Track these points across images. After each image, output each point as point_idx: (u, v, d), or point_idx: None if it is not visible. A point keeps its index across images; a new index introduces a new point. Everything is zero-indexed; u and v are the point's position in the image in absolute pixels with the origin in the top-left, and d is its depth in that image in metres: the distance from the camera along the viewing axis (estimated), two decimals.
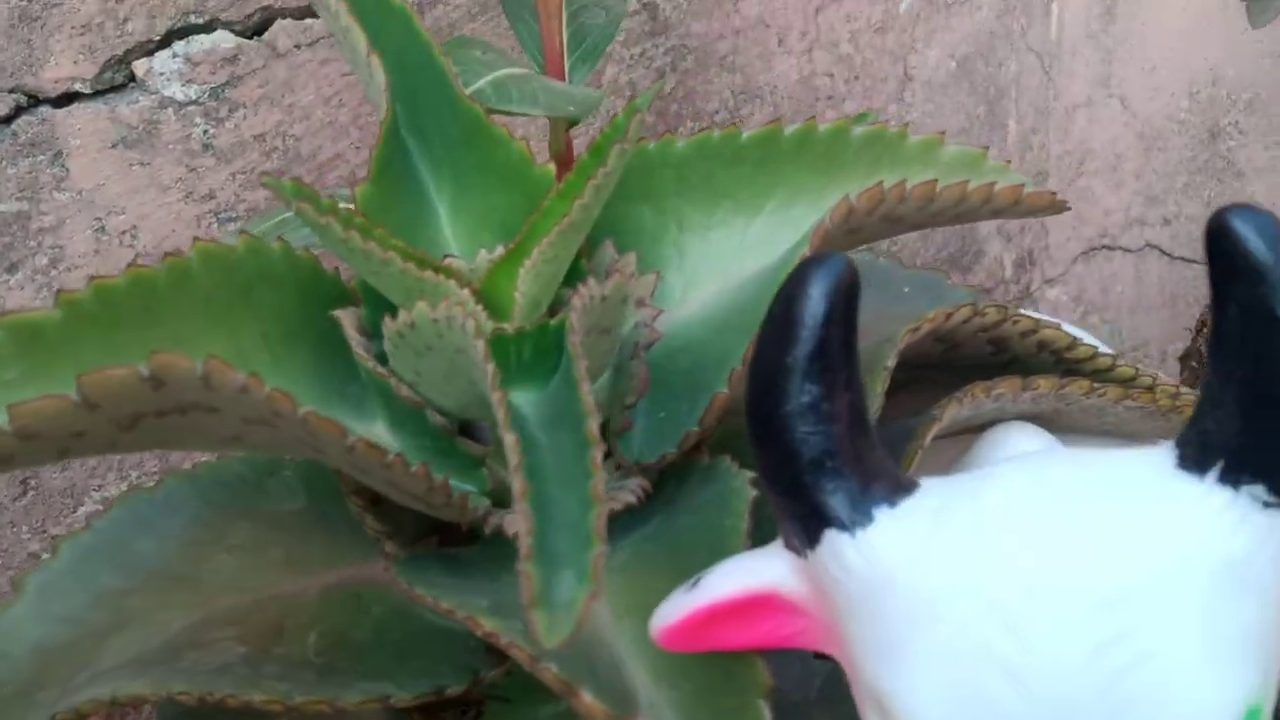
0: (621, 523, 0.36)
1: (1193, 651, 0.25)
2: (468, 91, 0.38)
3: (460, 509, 0.34)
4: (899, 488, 0.29)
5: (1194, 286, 1.05)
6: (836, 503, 0.28)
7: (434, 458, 0.35)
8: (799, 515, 0.29)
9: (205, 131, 0.58)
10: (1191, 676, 0.25)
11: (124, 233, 0.57)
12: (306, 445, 0.31)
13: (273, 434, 0.31)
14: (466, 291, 0.32)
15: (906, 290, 0.45)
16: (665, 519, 0.36)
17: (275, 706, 0.32)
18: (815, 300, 0.28)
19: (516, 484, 0.25)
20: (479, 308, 0.32)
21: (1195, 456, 0.27)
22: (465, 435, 0.37)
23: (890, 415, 0.37)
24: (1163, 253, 1.03)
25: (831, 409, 0.28)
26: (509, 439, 0.26)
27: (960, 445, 0.40)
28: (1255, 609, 0.26)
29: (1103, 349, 0.43)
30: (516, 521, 0.24)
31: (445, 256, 0.36)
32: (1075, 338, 0.42)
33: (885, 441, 0.30)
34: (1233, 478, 0.26)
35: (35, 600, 0.38)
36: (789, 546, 0.30)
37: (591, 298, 0.31)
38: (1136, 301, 1.04)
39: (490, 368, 0.27)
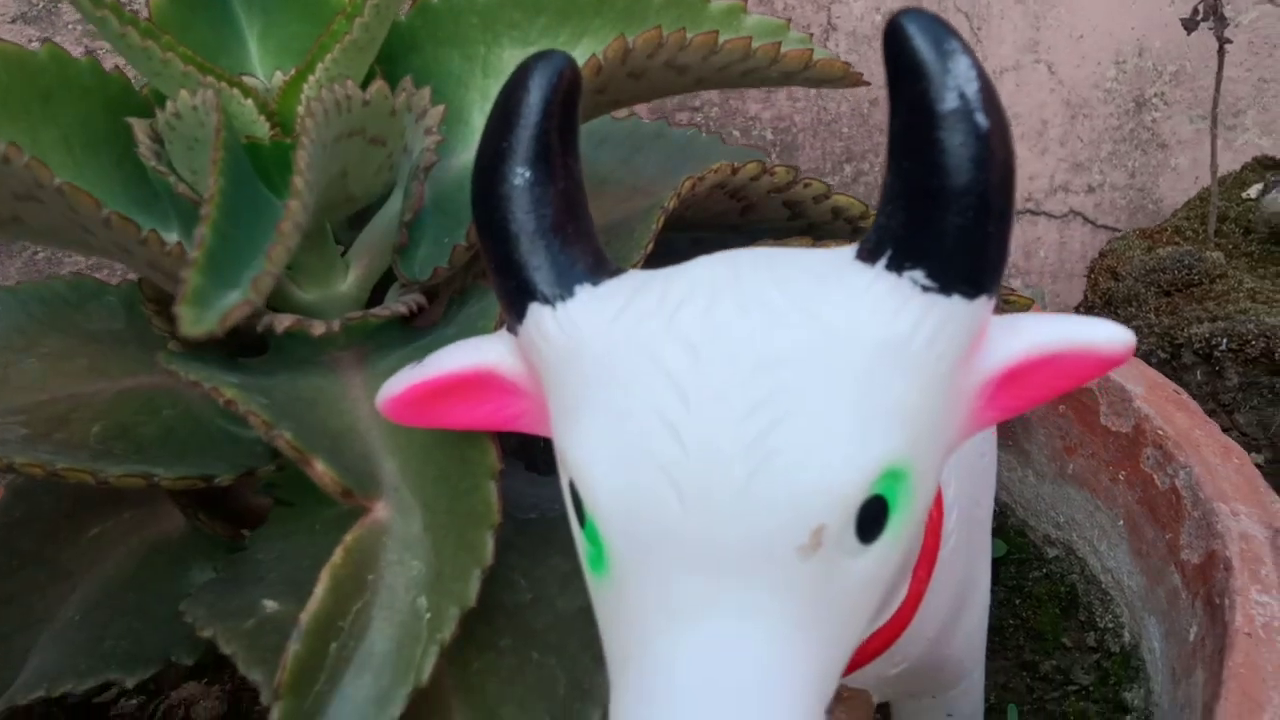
0: (400, 334, 0.38)
1: (836, 415, 0.27)
2: None
3: None
4: (605, 271, 0.30)
5: None
6: (540, 278, 0.30)
7: None
8: (510, 290, 0.30)
9: None
10: (829, 435, 0.26)
11: None
12: (74, 224, 0.33)
13: (43, 211, 0.33)
14: (231, 87, 0.34)
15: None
16: (439, 332, 0.38)
17: (35, 470, 0.34)
18: (533, 92, 0.30)
19: (203, 212, 0.26)
20: (236, 93, 0.33)
21: (870, 248, 0.29)
22: None
23: None
24: (1086, 220, 1.05)
25: (544, 193, 0.30)
26: (209, 184, 0.27)
27: None
28: (906, 385, 0.28)
29: None
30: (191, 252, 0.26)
31: (242, 74, 0.38)
32: (869, 206, 0.43)
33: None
34: (897, 264, 0.28)
35: None
36: (508, 328, 0.31)
37: (348, 98, 0.33)
38: (1059, 267, 1.05)
39: (219, 131, 0.29)
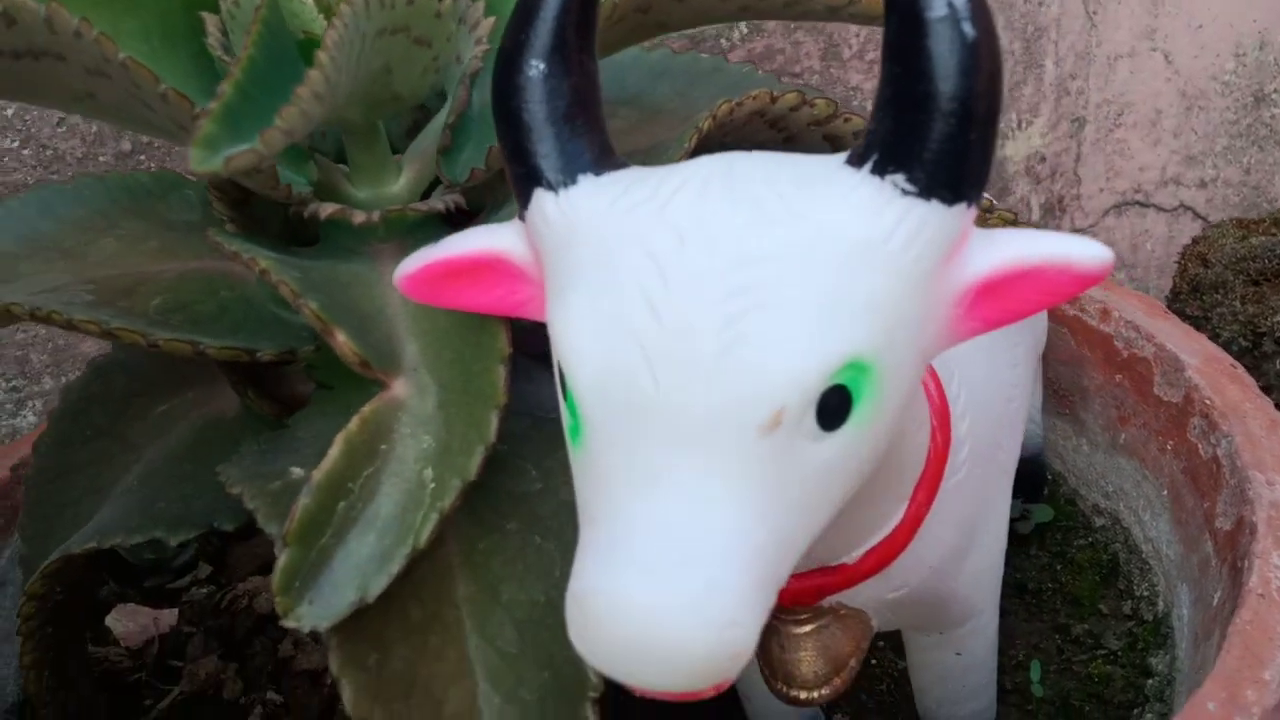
0: (439, 231, 0.40)
1: (806, 306, 0.28)
2: None
3: (286, 193, 0.38)
4: (610, 163, 0.32)
5: None
6: (547, 165, 0.32)
7: None
8: (519, 176, 0.32)
9: None
10: (796, 324, 0.28)
11: None
12: (137, 100, 0.36)
13: (111, 88, 0.36)
14: None
15: None
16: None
17: (91, 328, 0.37)
18: None
19: (230, 71, 0.29)
20: None
21: (859, 153, 0.30)
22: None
23: None
24: (1196, 215, 1.03)
25: (556, 85, 0.32)
26: (241, 50, 0.30)
27: None
28: (879, 284, 0.29)
29: None
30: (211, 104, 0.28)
31: None
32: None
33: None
34: (880, 168, 0.29)
35: None
36: (518, 215, 0.33)
37: None
38: (1165, 261, 1.04)
39: (259, 9, 0.31)
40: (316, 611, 0.34)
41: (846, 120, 0.43)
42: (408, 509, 0.35)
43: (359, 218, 0.39)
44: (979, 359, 0.45)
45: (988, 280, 0.30)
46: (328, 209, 0.39)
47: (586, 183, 0.31)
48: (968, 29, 0.28)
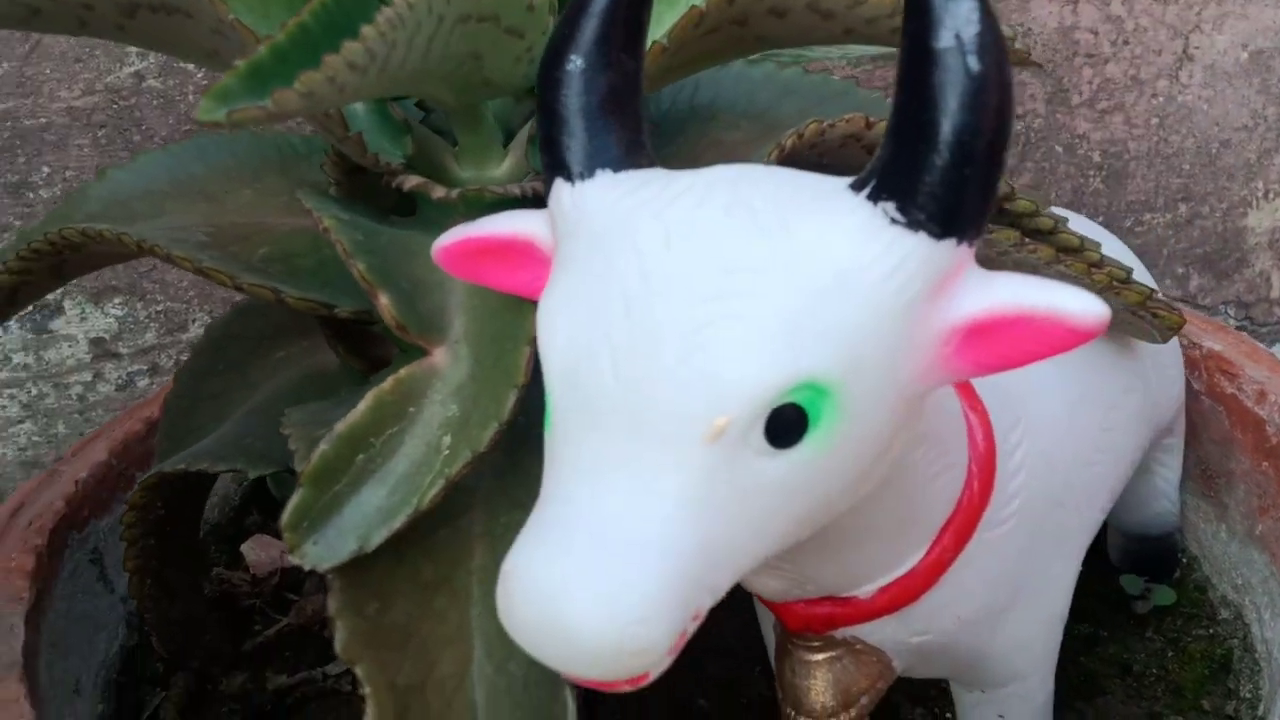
0: None
1: (772, 323, 0.28)
2: None
3: (373, 161, 0.41)
4: (636, 162, 0.33)
5: None
6: (571, 157, 0.33)
7: (370, 119, 0.42)
8: (547, 166, 0.33)
9: None
10: (756, 338, 0.28)
11: None
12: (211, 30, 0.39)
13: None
14: None
15: None
16: None
17: (185, 264, 0.41)
18: None
19: (277, 33, 0.31)
20: None
21: (862, 179, 0.30)
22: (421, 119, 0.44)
23: None
24: None
25: (591, 80, 0.33)
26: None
27: None
28: (853, 310, 0.28)
29: (1065, 221, 0.44)
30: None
31: None
32: (1015, 188, 0.43)
33: None
34: (875, 195, 0.29)
35: (106, 183, 0.48)
36: (548, 203, 0.34)
37: None
38: None
39: None
40: (320, 552, 0.36)
41: None
42: (420, 470, 0.36)
43: (438, 193, 0.41)
44: (1058, 413, 0.43)
45: (978, 321, 0.30)
46: (411, 181, 0.41)
47: (604, 177, 0.32)
48: (973, 62, 0.28)
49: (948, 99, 0.28)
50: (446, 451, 0.36)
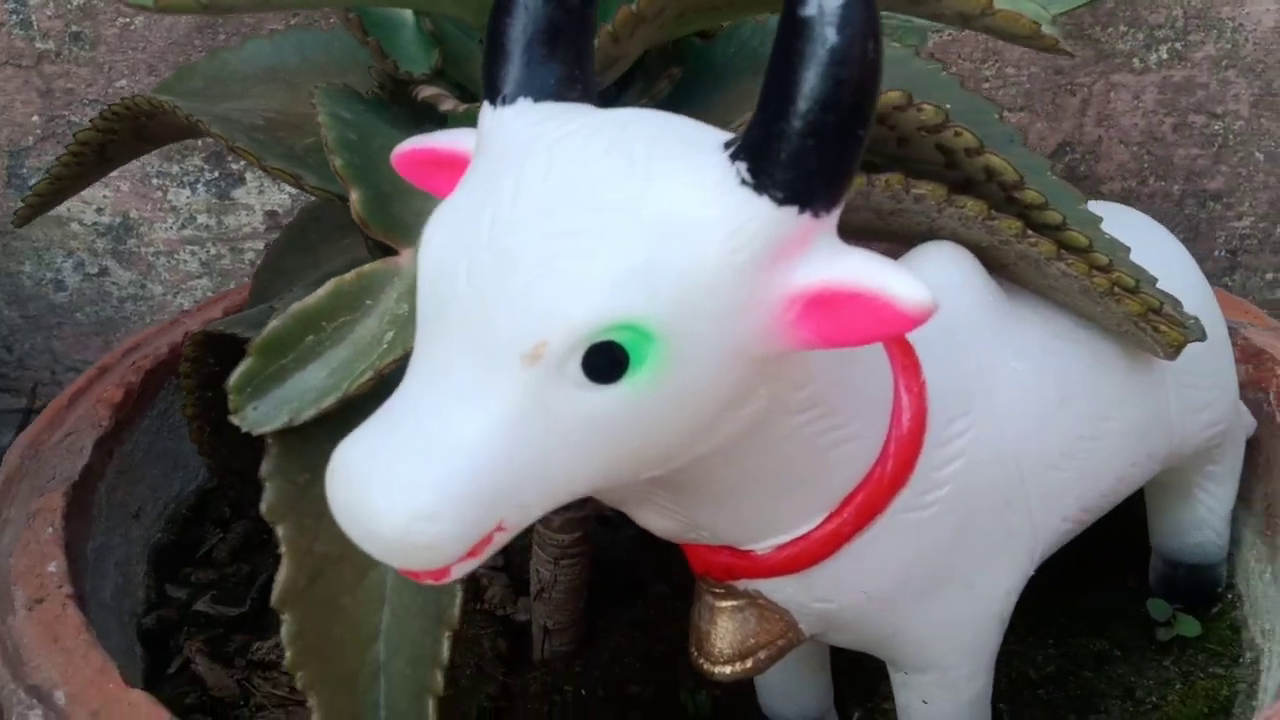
0: None
1: (609, 261, 0.29)
2: None
3: (392, 68, 0.43)
4: (559, 95, 0.34)
5: None
6: (499, 82, 0.34)
7: (391, 30, 0.44)
8: (484, 86, 0.35)
9: None
10: (590, 273, 0.29)
11: None
12: None
13: None
14: None
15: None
16: None
17: (222, 138, 0.44)
18: None
19: None
20: None
21: (734, 139, 0.30)
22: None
23: None
24: None
25: (536, 12, 0.34)
26: None
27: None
28: (688, 262, 0.29)
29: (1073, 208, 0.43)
30: None
31: None
32: (1024, 175, 0.41)
33: None
34: (735, 156, 0.30)
35: (214, 62, 0.53)
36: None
37: None
38: None
39: None
40: (258, 417, 0.39)
41: (957, 134, 0.41)
42: (358, 358, 0.39)
43: (447, 104, 0.43)
44: (1027, 413, 0.42)
45: (816, 292, 0.30)
46: (425, 91, 0.43)
47: (523, 105, 0.34)
48: (831, 34, 0.28)
49: (800, 67, 0.28)
50: (385, 345, 0.39)
